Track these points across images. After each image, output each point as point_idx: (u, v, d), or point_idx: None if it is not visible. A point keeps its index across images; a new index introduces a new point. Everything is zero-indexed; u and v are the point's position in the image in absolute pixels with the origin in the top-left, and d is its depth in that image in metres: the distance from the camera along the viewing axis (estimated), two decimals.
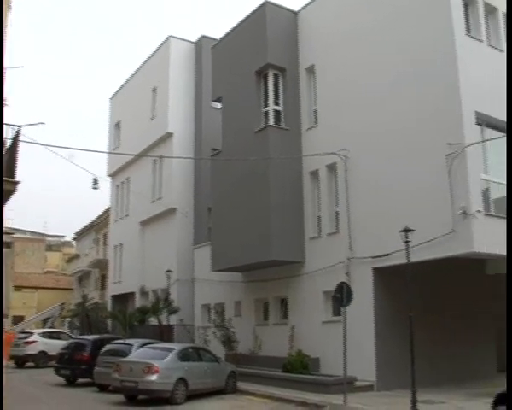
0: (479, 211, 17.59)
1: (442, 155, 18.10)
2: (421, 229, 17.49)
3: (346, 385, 17.32)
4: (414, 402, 15.54)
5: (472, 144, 17.79)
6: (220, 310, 27.44)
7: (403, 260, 16.86)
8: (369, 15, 21.74)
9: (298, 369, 21.27)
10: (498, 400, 6.49)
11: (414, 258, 16.87)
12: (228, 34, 27.59)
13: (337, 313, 20.46)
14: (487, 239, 17.92)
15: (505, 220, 18.77)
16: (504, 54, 20.37)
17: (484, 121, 19.06)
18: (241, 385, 21.32)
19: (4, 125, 13.93)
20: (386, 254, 19.33)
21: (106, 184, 41.78)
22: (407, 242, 16.54)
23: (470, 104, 18.30)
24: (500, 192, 20.04)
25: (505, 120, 19.23)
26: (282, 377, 21.37)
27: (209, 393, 19.76)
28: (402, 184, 19.62)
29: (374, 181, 20.75)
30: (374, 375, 20.04)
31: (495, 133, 19.53)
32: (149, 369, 17.83)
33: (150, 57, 37.38)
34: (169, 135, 33.66)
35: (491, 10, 20.70)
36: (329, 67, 23.46)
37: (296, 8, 25.50)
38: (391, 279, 19.97)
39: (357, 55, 22.10)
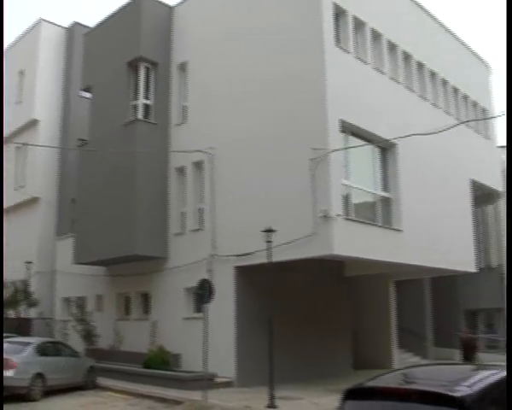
0: (339, 215, 18.23)
1: (307, 159, 18.59)
2: (283, 230, 17.92)
3: (206, 381, 17.45)
4: (271, 398, 15.92)
5: (335, 151, 18.42)
6: (81, 304, 26.86)
7: (265, 260, 17.21)
8: (245, 20, 22.00)
9: (158, 365, 21.20)
10: (347, 395, 6.74)
11: (276, 258, 17.26)
12: (102, 23, 26.97)
13: (198, 309, 20.54)
14: (346, 242, 18.64)
15: (363, 225, 19.71)
16: (369, 66, 21.34)
17: (348, 129, 19.81)
18: (102, 381, 20.96)
19: None
20: (249, 253, 19.60)
21: None
22: (269, 242, 16.92)
23: (335, 112, 18.94)
24: (360, 198, 20.96)
25: (367, 129, 20.19)
26: (142, 373, 21.23)
27: (68, 389, 19.30)
28: (267, 185, 20.01)
29: (239, 181, 21.05)
30: (234, 372, 20.33)
31: (357, 141, 20.40)
32: (6, 364, 17.11)
33: (19, 39, 35.88)
34: (35, 122, 32.46)
35: (359, 24, 21.48)
36: (202, 66, 23.52)
37: (172, 3, 25.35)
38: (253, 278, 20.33)
39: (229, 56, 22.32)
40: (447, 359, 28.37)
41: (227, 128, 21.80)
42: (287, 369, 19.63)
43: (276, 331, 17.00)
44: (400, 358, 27.89)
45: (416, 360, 28.63)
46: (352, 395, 6.65)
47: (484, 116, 29.10)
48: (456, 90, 27.16)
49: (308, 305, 22.41)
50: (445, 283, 31.70)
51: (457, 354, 30.77)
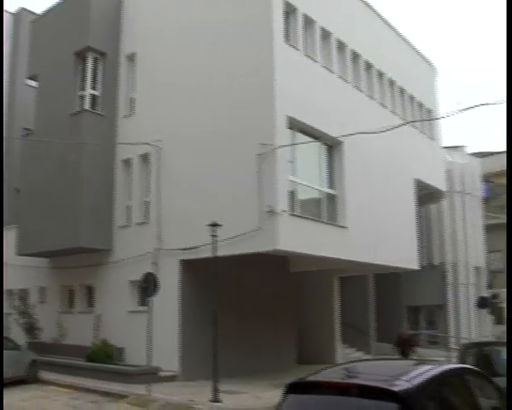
0: (284, 210, 18.37)
1: (254, 154, 18.66)
2: (229, 224, 17.95)
3: (150, 375, 17.43)
4: (215, 392, 15.97)
5: (282, 147, 18.55)
6: (24, 296, 26.42)
7: (210, 254, 17.24)
8: (195, 12, 21.91)
9: (102, 359, 21.03)
10: (289, 389, 6.83)
11: (221, 252, 17.29)
12: (49, 10, 26.46)
13: (143, 303, 20.48)
14: (291, 238, 18.80)
15: (309, 221, 19.90)
16: (318, 65, 21.53)
17: (295, 126, 19.95)
18: (44, 375, 20.65)
19: None
20: (195, 247, 19.59)
21: None
22: (214, 236, 16.96)
23: (283, 108, 19.05)
24: (306, 194, 21.15)
25: (314, 126, 20.38)
26: (85, 366, 21.02)
27: (10, 383, 18.93)
28: (214, 179, 20.03)
29: (186, 174, 21.00)
30: (178, 365, 20.32)
31: (305, 138, 20.58)
32: None
33: None
34: None
35: (309, 22, 21.64)
36: (151, 57, 23.36)
37: None
38: (199, 272, 20.34)
39: (179, 48, 22.22)
40: (389, 354, 28.84)
41: (175, 121, 21.72)
42: (231, 363, 19.71)
43: (221, 326, 17.04)
44: (343, 353, 28.26)
45: (358, 355, 29.08)
46: (294, 388, 6.74)
47: (429, 117, 29.64)
48: (402, 91, 27.61)
49: (253, 300, 22.52)
50: (388, 279, 32.21)
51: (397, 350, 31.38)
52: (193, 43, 21.71)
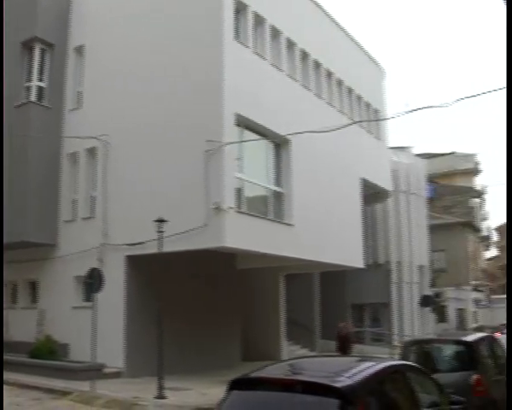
0: (231, 207, 18.43)
1: (201, 151, 18.67)
2: (176, 220, 17.92)
3: (95, 372, 17.26)
4: (160, 389, 15.93)
5: (229, 143, 18.60)
6: None
7: (157, 250, 17.18)
8: (146, 6, 21.65)
9: (45, 355, 20.71)
10: (232, 385, 6.88)
11: (167, 248, 17.26)
12: None
13: (88, 298, 20.26)
14: (238, 235, 18.88)
15: (255, 218, 20.02)
16: (267, 63, 21.66)
17: (243, 123, 20.03)
18: None
19: None
20: (140, 243, 19.47)
21: None
22: (160, 232, 16.92)
23: (231, 105, 19.10)
24: (253, 191, 21.26)
25: (262, 124, 20.51)
26: (28, 362, 20.62)
27: None
28: (161, 174, 19.94)
29: (133, 169, 20.84)
30: (123, 362, 20.18)
31: (252, 135, 20.69)
32: None
33: None
34: None
35: (259, 20, 21.75)
36: (99, 50, 23.08)
37: None
38: (145, 268, 20.22)
39: (128, 42, 21.98)
40: (334, 351, 29.18)
41: (123, 116, 21.54)
42: (177, 360, 19.66)
43: (166, 322, 17.01)
44: (289, 350, 28.47)
45: (303, 352, 29.34)
46: (237, 385, 6.80)
47: (376, 117, 30.08)
48: (350, 91, 27.97)
49: (200, 297, 22.49)
50: (333, 278, 32.60)
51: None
52: (143, 37, 21.55)
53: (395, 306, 37.30)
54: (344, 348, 19.70)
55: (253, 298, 27.41)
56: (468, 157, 69.81)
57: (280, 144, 22.07)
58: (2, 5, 13.92)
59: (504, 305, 61.32)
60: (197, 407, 15.53)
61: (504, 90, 11.10)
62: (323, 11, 26.15)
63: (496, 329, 31.75)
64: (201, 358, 22.09)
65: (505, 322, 42.58)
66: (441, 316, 50.04)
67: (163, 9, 21.18)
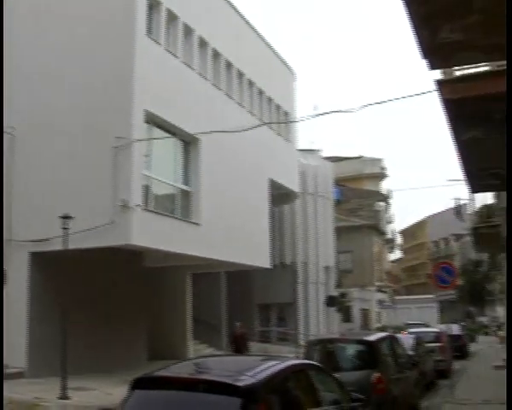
0: (138, 205, 18.26)
1: (110, 147, 18.40)
2: (83, 217, 17.56)
3: None
4: (64, 389, 15.58)
5: (138, 141, 18.44)
6: None
7: (62, 247, 16.80)
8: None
9: None
10: (135, 384, 6.83)
11: (73, 245, 16.87)
12: None
13: None
14: (145, 233, 18.75)
15: (163, 216, 19.91)
16: (179, 61, 21.57)
17: (152, 120, 19.89)
18: None
19: None
20: (45, 239, 18.99)
21: None
22: (65, 228, 16.57)
23: (141, 102, 18.94)
24: (161, 190, 21.14)
25: (172, 122, 20.40)
26: None
27: None
28: (69, 170, 19.49)
29: (40, 163, 20.14)
30: (25, 362, 19.58)
31: (162, 133, 20.57)
32: None
33: None
34: None
35: (172, 18, 21.60)
36: (11, 42, 22.16)
37: None
38: (50, 265, 19.65)
39: (39, 33, 21.19)
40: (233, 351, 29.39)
41: (30, 109, 20.84)
42: (82, 360, 19.23)
43: (71, 321, 16.64)
44: (195, 349, 28.42)
45: (210, 351, 29.33)
46: (140, 384, 6.75)
47: (286, 119, 30.45)
48: (261, 92, 28.22)
49: (106, 295, 22.08)
50: (241, 277, 32.79)
51: (251, 346, 31.97)
52: (54, 29, 20.98)
53: (301, 305, 37.88)
54: (239, 348, 19.87)
55: (160, 297, 27.20)
56: (375, 162, 71.75)
57: (189, 143, 22.04)
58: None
59: (407, 306, 63.56)
60: (101, 408, 15.29)
61: (409, 99, 11.50)
62: (237, 12, 26.27)
63: (399, 329, 32.76)
64: (107, 357, 21.72)
65: (409, 322, 44.07)
66: (346, 316, 51.15)
67: (75, 3, 20.73)
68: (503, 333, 37.34)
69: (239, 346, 21.45)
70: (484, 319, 66.07)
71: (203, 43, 23.35)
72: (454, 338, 26.55)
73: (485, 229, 18.71)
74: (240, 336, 21.85)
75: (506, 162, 4.69)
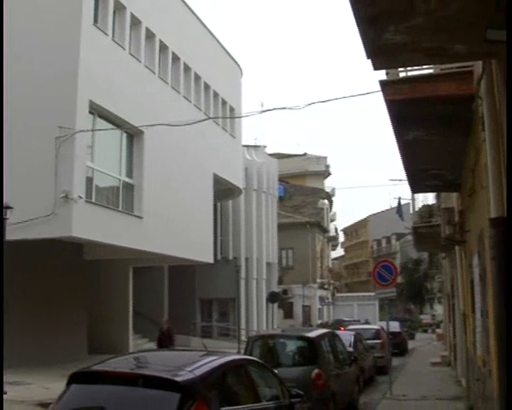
0: (80, 197, 17.95)
1: (53, 136, 18.03)
2: (24, 208, 17.16)
3: None
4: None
5: (81, 131, 18.12)
6: None
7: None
8: None
9: None
10: (72, 379, 6.70)
11: (13, 236, 16.50)
12: None
13: None
14: (87, 225, 18.47)
15: (105, 209, 19.64)
16: (126, 52, 21.27)
17: (97, 111, 19.59)
18: None
19: None
20: None
21: None
22: (4, 219, 16.17)
23: (86, 92, 18.63)
24: (104, 182, 20.85)
25: (117, 113, 20.15)
26: None
27: None
28: (11, 160, 18.96)
29: None
30: None
31: (106, 124, 20.27)
32: None
33: None
34: None
35: (120, 8, 21.32)
36: None
37: None
38: None
39: None
40: (182, 345, 29.27)
41: None
42: (21, 353, 18.83)
43: (9, 314, 16.25)
44: (136, 343, 28.21)
45: (151, 345, 29.08)
46: (77, 378, 6.63)
47: (231, 115, 30.45)
48: (207, 87, 28.12)
49: (46, 287, 21.71)
50: (183, 272, 32.68)
51: (193, 341, 31.95)
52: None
53: (243, 301, 37.95)
54: (164, 345, 19.53)
55: (102, 290, 26.88)
56: (319, 160, 72.32)
57: (133, 135, 21.81)
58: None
59: (348, 303, 64.33)
60: (39, 402, 15.02)
61: (355, 98, 11.61)
62: (185, 5, 26.10)
63: (339, 325, 33.17)
64: (45, 351, 21.33)
65: (345, 318, 44.52)
66: (288, 312, 51.49)
67: None
68: (441, 331, 38.23)
69: (164, 342, 21.05)
70: (423, 317, 67.37)
71: (151, 36, 23.12)
72: (393, 335, 26.98)
73: (425, 229, 19.02)
74: (166, 332, 21.43)
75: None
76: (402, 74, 8.09)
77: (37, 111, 18.83)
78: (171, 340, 20.46)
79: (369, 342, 22.53)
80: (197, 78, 27.05)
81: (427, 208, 19.61)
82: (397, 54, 6.05)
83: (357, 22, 5.33)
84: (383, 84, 7.82)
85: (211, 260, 27.91)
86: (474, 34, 5.28)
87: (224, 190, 31.76)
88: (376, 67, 6.35)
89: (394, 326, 30.97)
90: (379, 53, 5.98)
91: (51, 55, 18.93)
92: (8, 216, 16.25)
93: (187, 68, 26.04)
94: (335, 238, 74.46)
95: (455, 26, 5.50)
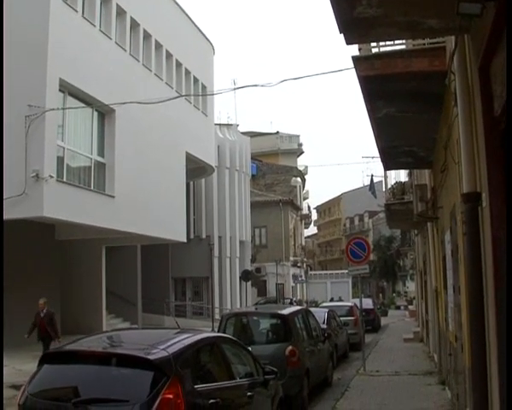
0: (51, 176, 17.75)
1: (22, 115, 17.77)
2: None
3: None
4: None
5: (51, 110, 17.88)
6: None
7: None
8: None
9: None
10: (44, 359, 6.68)
11: None
12: None
13: None
14: (58, 205, 18.30)
15: (76, 188, 19.47)
16: (96, 29, 20.99)
17: (67, 89, 19.34)
18: None
19: None
20: None
21: None
22: None
23: (55, 70, 18.37)
24: (75, 161, 20.64)
25: (88, 92, 19.89)
26: None
27: None
28: None
29: None
30: None
31: (77, 103, 20.02)
32: None
33: None
34: None
35: None
36: None
37: None
38: None
39: None
40: (156, 324, 29.27)
41: None
42: None
43: None
44: (109, 323, 28.10)
45: (125, 325, 29.06)
46: (49, 359, 6.60)
47: (203, 93, 30.26)
48: (179, 65, 27.90)
49: (18, 268, 21.47)
50: (156, 251, 32.59)
51: (167, 321, 31.95)
52: None
53: (217, 280, 38.00)
54: (43, 332, 18.27)
55: (74, 270, 26.71)
56: (292, 138, 72.41)
57: (104, 114, 21.58)
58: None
59: (321, 281, 64.72)
60: (11, 384, 14.92)
61: (329, 75, 11.59)
62: None
63: (312, 303, 33.46)
64: (17, 332, 21.12)
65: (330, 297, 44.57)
66: (262, 290, 51.64)
67: None
68: (413, 307, 38.62)
69: (42, 331, 18.29)
70: (395, 294, 68.08)
71: (121, 12, 22.86)
72: (366, 312, 27.22)
73: (397, 206, 19.12)
74: (45, 318, 18.38)
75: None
76: (375, 50, 8.07)
77: (6, 89, 18.47)
78: (53, 327, 18.05)
79: (342, 318, 22.70)
80: (169, 55, 26.82)
81: (400, 186, 19.69)
82: (369, 28, 6.01)
83: None
84: (356, 59, 7.79)
85: (184, 238, 27.85)
86: (447, 8, 5.25)
87: (196, 169, 31.64)
88: (349, 41, 6.32)
89: (367, 303, 31.28)
90: (352, 27, 5.94)
91: (20, 31, 18.56)
92: None
93: (158, 46, 25.79)
94: (308, 216, 74.66)
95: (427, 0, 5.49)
